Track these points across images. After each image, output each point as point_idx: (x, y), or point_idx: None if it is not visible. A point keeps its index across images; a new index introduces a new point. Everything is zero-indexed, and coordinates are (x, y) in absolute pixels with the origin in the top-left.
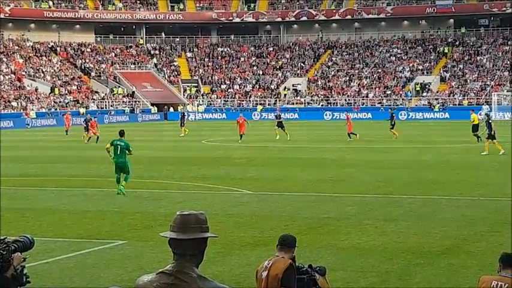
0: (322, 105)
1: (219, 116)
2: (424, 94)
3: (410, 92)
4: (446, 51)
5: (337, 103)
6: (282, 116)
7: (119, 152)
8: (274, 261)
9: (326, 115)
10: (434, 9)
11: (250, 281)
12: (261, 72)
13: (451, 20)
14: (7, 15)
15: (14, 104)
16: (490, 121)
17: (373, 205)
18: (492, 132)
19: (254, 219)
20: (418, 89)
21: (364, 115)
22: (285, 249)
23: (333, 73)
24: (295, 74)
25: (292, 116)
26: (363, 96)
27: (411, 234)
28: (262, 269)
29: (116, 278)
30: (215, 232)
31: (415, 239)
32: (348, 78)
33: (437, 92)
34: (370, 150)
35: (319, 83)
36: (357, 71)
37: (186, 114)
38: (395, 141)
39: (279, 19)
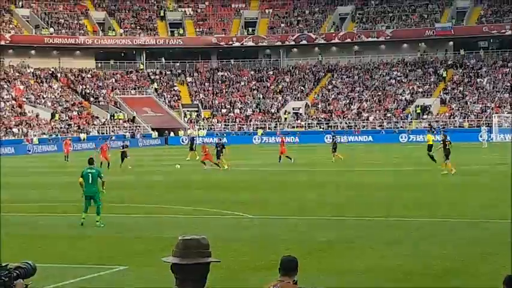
0: (322, 128)
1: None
2: (425, 116)
3: (411, 115)
4: (446, 73)
5: (337, 126)
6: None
7: (90, 181)
8: (281, 286)
9: (327, 138)
10: (433, 32)
11: None
12: (261, 96)
13: (451, 43)
14: (8, 42)
15: (15, 130)
16: (446, 141)
17: (374, 228)
18: (446, 153)
19: (255, 243)
20: (418, 111)
21: (365, 138)
22: (289, 274)
23: (333, 96)
24: (295, 98)
25: (292, 139)
26: (364, 119)
27: (412, 257)
28: None
29: None
30: (217, 257)
31: (417, 261)
32: (348, 101)
33: (437, 114)
34: (369, 173)
35: (320, 106)
36: (357, 94)
37: (195, 138)
38: (394, 163)
39: (279, 43)
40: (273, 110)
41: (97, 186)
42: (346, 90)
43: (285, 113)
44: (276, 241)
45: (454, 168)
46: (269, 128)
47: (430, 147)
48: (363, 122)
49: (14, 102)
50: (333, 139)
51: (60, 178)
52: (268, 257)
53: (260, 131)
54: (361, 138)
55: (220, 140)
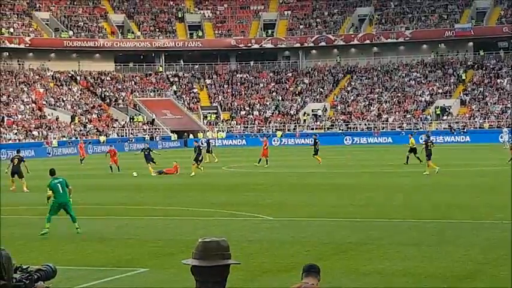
0: (342, 130)
1: (239, 142)
2: (444, 118)
3: (431, 116)
4: (465, 74)
5: (357, 128)
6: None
7: (61, 191)
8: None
9: (346, 140)
10: (453, 33)
11: None
12: (280, 98)
13: (470, 43)
14: (27, 45)
15: (35, 133)
16: (429, 143)
17: (395, 230)
18: (427, 153)
19: (275, 245)
20: (438, 112)
21: (385, 139)
22: (313, 276)
23: (352, 98)
24: (314, 99)
25: (311, 141)
26: (383, 121)
27: (434, 259)
28: None
29: None
30: (237, 259)
31: (438, 263)
32: (367, 102)
33: (457, 115)
34: (390, 174)
35: (339, 108)
36: (376, 96)
37: (211, 141)
38: (413, 165)
39: (298, 45)
40: (292, 112)
41: (67, 195)
42: (365, 91)
43: (304, 115)
44: (296, 243)
45: (436, 166)
46: (288, 130)
47: (413, 150)
48: (383, 124)
49: (34, 105)
50: (315, 141)
51: (75, 181)
52: (288, 259)
53: (279, 133)
54: (381, 140)
55: (197, 143)
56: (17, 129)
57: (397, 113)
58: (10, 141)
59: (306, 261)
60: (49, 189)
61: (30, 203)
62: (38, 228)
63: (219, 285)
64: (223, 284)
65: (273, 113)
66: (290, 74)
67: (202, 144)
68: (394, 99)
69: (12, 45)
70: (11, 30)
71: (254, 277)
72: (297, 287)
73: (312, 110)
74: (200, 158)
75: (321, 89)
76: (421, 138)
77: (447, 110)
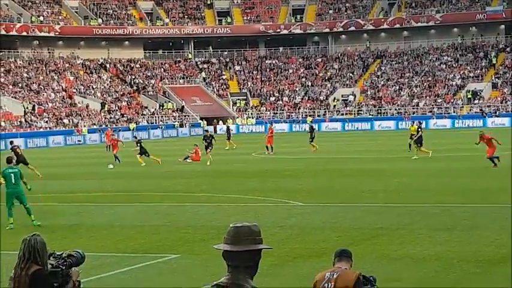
0: (372, 115)
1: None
2: (476, 101)
3: (462, 100)
4: (497, 57)
5: (387, 113)
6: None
7: (13, 181)
8: (341, 273)
9: (376, 125)
10: (484, 16)
11: None
12: (309, 84)
13: (502, 26)
14: (57, 33)
15: (66, 121)
16: (420, 130)
17: (426, 214)
18: (419, 140)
19: (306, 230)
20: (469, 96)
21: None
22: (345, 260)
23: (382, 83)
24: (344, 85)
25: (341, 126)
26: (414, 105)
27: (466, 243)
28: (324, 280)
29: None
30: (268, 244)
31: (470, 247)
32: (397, 87)
33: (489, 99)
34: (420, 159)
35: (369, 93)
36: (406, 80)
37: (231, 128)
38: (443, 149)
39: (327, 30)
40: (321, 98)
41: (20, 185)
42: (395, 76)
43: (333, 100)
44: (327, 229)
45: (429, 151)
46: (318, 116)
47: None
48: (413, 108)
49: (64, 93)
50: (312, 128)
51: (103, 168)
52: (319, 244)
53: (309, 119)
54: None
55: (207, 131)
56: (48, 117)
57: (427, 97)
58: (41, 129)
59: (337, 246)
60: (1, 177)
61: (54, 191)
62: (66, 215)
63: (250, 269)
64: (254, 268)
65: (302, 99)
66: (319, 60)
67: (209, 133)
68: (425, 84)
69: (42, 34)
70: (41, 18)
71: (285, 262)
72: (330, 272)
73: (342, 96)
74: (210, 148)
75: (350, 74)
76: (412, 124)
77: (478, 93)
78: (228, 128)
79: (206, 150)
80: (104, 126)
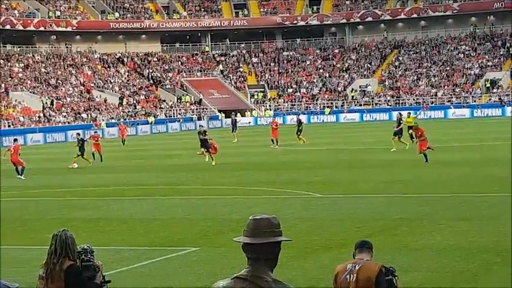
0: (390, 105)
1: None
2: (494, 90)
3: (480, 89)
4: None
5: (405, 103)
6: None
7: None
8: (363, 264)
9: (394, 115)
10: (502, 4)
11: (325, 284)
12: (327, 75)
13: None
14: (74, 28)
15: (84, 115)
16: (401, 121)
17: (445, 205)
18: (399, 130)
19: (325, 222)
20: (488, 85)
21: (434, 114)
22: (366, 252)
23: (400, 73)
24: (362, 75)
25: (359, 117)
26: (432, 95)
27: (486, 233)
28: (346, 272)
29: (189, 285)
30: (287, 236)
31: (490, 237)
32: (415, 77)
33: (507, 88)
34: (439, 149)
35: (387, 83)
36: (424, 70)
37: (237, 120)
38: (464, 139)
39: (344, 21)
40: (339, 89)
41: None
42: (413, 66)
43: (351, 91)
44: (347, 220)
45: (406, 142)
46: (336, 107)
47: (408, 128)
48: (431, 98)
49: (82, 87)
50: (300, 121)
51: (122, 162)
52: (338, 235)
53: (328, 110)
54: (430, 114)
55: (202, 126)
56: (66, 112)
57: (446, 87)
58: (60, 124)
59: (357, 237)
60: None
61: (73, 185)
62: (85, 209)
63: (270, 262)
64: (274, 261)
65: (320, 90)
66: (337, 51)
67: (203, 129)
68: (443, 73)
69: (60, 29)
70: (58, 13)
71: (305, 254)
72: (352, 263)
73: (360, 86)
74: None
75: (368, 65)
76: (408, 116)
77: (497, 82)
78: (235, 121)
79: (202, 148)
80: (122, 120)
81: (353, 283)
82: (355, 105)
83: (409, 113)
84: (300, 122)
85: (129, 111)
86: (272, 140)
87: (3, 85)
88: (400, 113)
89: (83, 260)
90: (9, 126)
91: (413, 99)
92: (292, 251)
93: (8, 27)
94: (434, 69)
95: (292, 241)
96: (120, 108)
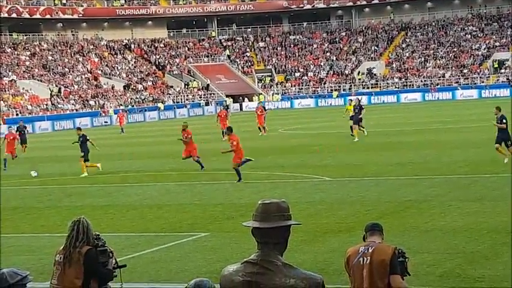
0: (397, 87)
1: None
2: (502, 71)
3: (488, 70)
4: None
5: (413, 85)
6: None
7: None
8: (376, 247)
9: (402, 98)
10: None
11: (335, 268)
12: (334, 58)
13: None
14: (81, 15)
15: (92, 102)
16: (363, 107)
17: (455, 186)
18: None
19: (335, 205)
20: (495, 66)
21: (442, 95)
22: (377, 234)
23: (407, 55)
24: (369, 58)
25: (367, 100)
26: (439, 77)
27: (496, 214)
28: (358, 255)
29: (200, 270)
30: (297, 220)
31: (501, 218)
32: (423, 59)
33: None
34: (447, 130)
35: (394, 65)
36: (432, 51)
37: (229, 107)
38: (472, 120)
39: (350, 3)
40: (347, 72)
41: None
42: (420, 48)
43: (358, 74)
44: (356, 203)
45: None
46: (344, 90)
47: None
48: (439, 80)
49: (89, 75)
50: (359, 106)
51: (126, 148)
52: (348, 218)
53: (335, 93)
54: (438, 96)
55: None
56: (74, 100)
57: (453, 68)
58: (68, 111)
59: (366, 220)
60: None
61: (88, 172)
62: (96, 196)
63: (280, 246)
64: (284, 244)
65: (327, 74)
66: (343, 34)
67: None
68: (450, 55)
69: (66, 16)
70: (64, 1)
71: (315, 237)
72: (364, 246)
73: (367, 69)
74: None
75: (375, 47)
76: (350, 103)
77: (504, 63)
78: (227, 106)
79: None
80: (130, 106)
81: (367, 266)
82: (363, 88)
83: (350, 100)
84: (360, 108)
85: (136, 98)
86: (259, 128)
87: (10, 73)
88: (359, 99)
89: (98, 246)
90: (17, 114)
91: (421, 81)
92: (302, 234)
93: (14, 15)
94: (441, 51)
95: (301, 225)
96: (128, 95)
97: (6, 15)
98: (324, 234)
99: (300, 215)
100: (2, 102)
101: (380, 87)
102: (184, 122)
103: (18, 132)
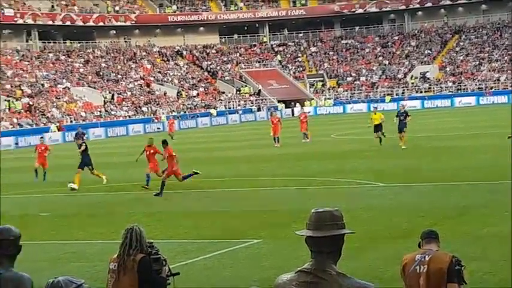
0: (452, 91)
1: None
2: None
3: None
4: None
5: (467, 88)
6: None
7: None
8: (433, 255)
9: (457, 101)
10: None
11: (389, 275)
12: (387, 62)
13: None
14: (133, 22)
15: (145, 109)
16: (408, 114)
17: (509, 192)
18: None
19: (388, 212)
20: None
21: (497, 99)
22: (434, 241)
23: (461, 58)
24: (422, 62)
25: (419, 105)
26: (494, 80)
27: None
28: (415, 263)
29: (253, 277)
30: (350, 226)
31: None
32: (477, 62)
33: None
34: (503, 135)
35: (448, 69)
36: (486, 54)
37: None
38: None
39: (403, 7)
40: (399, 76)
41: None
42: (475, 51)
43: (411, 78)
44: (409, 209)
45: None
46: (396, 94)
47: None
48: (494, 83)
49: (142, 81)
50: (404, 113)
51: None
52: (402, 225)
53: (388, 98)
54: (493, 100)
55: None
56: (127, 106)
57: (509, 71)
58: (121, 118)
59: (421, 226)
60: None
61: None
62: (148, 204)
63: (334, 255)
64: (338, 253)
65: (380, 78)
66: (396, 37)
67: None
68: (505, 58)
69: (119, 23)
70: (117, 8)
71: (369, 244)
72: (421, 254)
73: (420, 73)
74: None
75: (428, 51)
76: (375, 111)
77: None
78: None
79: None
80: (182, 113)
81: (424, 274)
82: (416, 92)
83: (375, 108)
84: (405, 115)
85: (188, 104)
86: (305, 134)
87: (64, 81)
88: (403, 105)
89: (151, 253)
90: (71, 121)
91: (475, 85)
92: (355, 241)
93: (68, 23)
94: (496, 54)
95: (355, 233)
96: (180, 101)
97: (60, 23)
98: (377, 241)
99: (353, 221)
100: (56, 109)
101: (433, 91)
102: (150, 137)
103: (76, 139)
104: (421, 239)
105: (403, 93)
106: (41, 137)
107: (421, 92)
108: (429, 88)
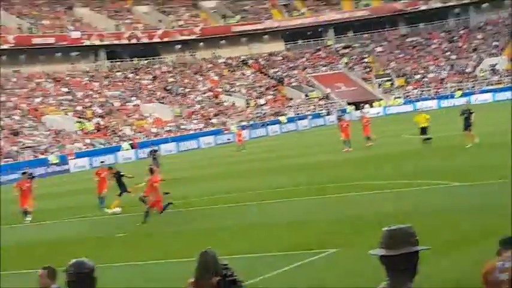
0: None
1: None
2: None
3: None
4: None
5: None
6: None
7: None
8: None
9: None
10: None
11: (469, 282)
12: (454, 57)
13: None
14: (198, 35)
15: (214, 120)
16: (472, 111)
17: None
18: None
19: (469, 212)
20: None
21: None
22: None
23: None
24: (490, 54)
25: (490, 98)
26: None
27: None
28: (497, 270)
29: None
30: (430, 227)
31: None
32: None
33: None
34: None
35: None
36: None
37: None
38: None
39: (468, 0)
40: (468, 70)
41: None
42: None
43: (481, 71)
44: (487, 209)
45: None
46: (467, 88)
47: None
48: None
49: (210, 93)
50: (468, 111)
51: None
52: (485, 227)
53: (459, 92)
54: None
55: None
56: (197, 119)
57: None
58: (191, 131)
59: (499, 230)
60: None
61: (215, 192)
62: (223, 218)
63: (409, 272)
64: (413, 270)
65: (448, 73)
66: (462, 32)
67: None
68: None
69: (183, 37)
70: (180, 22)
71: (451, 247)
72: (503, 261)
73: (489, 65)
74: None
75: (495, 43)
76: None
77: None
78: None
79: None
80: (252, 122)
81: (506, 282)
82: (486, 85)
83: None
84: (469, 113)
85: (257, 113)
86: (368, 138)
87: (134, 98)
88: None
89: (227, 275)
90: (142, 138)
91: None
92: (438, 243)
93: (134, 41)
94: None
95: (430, 249)
96: (248, 110)
97: (126, 41)
98: (460, 244)
99: (433, 223)
100: (127, 127)
101: (504, 83)
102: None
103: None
104: (500, 245)
105: (473, 87)
106: (102, 162)
107: (492, 85)
108: (499, 80)
